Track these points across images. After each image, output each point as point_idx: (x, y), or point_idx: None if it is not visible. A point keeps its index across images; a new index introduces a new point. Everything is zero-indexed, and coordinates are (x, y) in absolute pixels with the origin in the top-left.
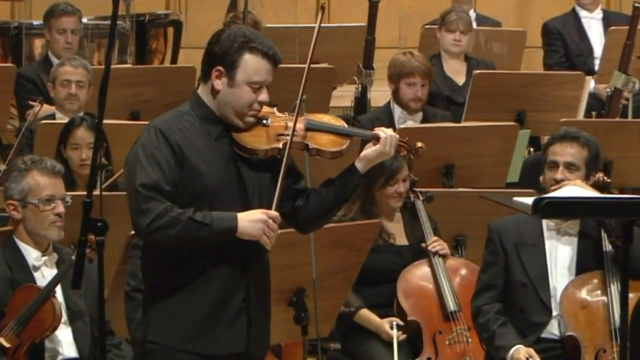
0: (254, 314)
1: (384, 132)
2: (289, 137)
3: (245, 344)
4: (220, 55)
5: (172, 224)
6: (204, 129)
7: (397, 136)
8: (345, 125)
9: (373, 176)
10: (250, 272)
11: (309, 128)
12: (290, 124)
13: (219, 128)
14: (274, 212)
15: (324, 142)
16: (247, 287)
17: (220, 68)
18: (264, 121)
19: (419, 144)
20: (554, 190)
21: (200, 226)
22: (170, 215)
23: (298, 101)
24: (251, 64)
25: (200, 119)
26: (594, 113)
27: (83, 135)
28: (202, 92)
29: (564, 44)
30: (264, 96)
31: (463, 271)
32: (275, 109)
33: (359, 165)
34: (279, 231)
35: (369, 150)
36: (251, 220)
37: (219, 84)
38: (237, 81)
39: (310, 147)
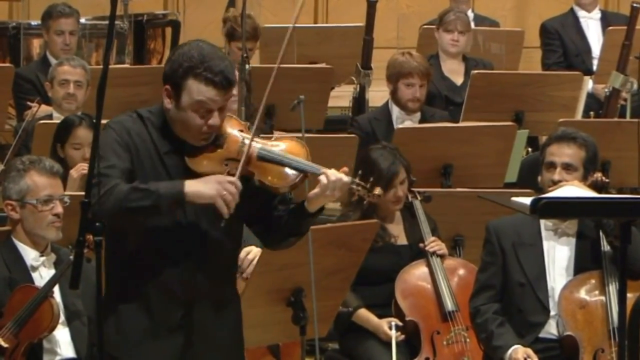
0: (196, 335)
1: (327, 176)
2: (236, 163)
3: None
4: (168, 76)
5: (117, 195)
6: (157, 140)
7: (346, 179)
8: (301, 158)
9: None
10: (198, 288)
11: (261, 158)
12: (244, 150)
13: (172, 143)
14: (230, 177)
15: (270, 175)
16: (190, 303)
17: (168, 87)
18: (217, 141)
19: (377, 191)
20: (551, 190)
21: (144, 194)
22: (116, 188)
23: (254, 127)
24: (195, 90)
25: (157, 129)
26: (592, 113)
27: (84, 134)
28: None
29: (562, 44)
30: (214, 120)
31: (461, 271)
32: (248, 124)
33: (307, 205)
34: None
35: (312, 192)
36: (204, 181)
37: (168, 102)
38: (183, 105)
39: (255, 177)
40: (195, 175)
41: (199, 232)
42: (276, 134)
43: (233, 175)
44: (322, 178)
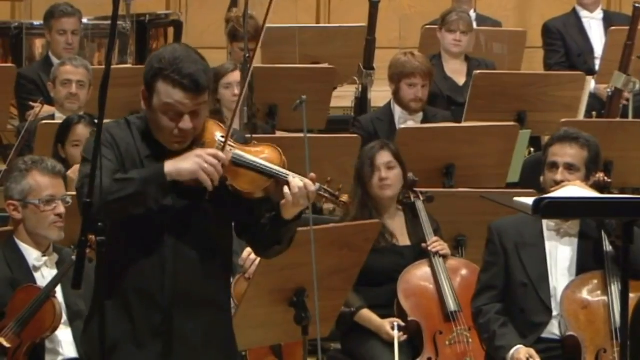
0: (177, 341)
1: (290, 186)
2: None
3: None
4: (144, 76)
5: (103, 193)
6: (139, 145)
7: (312, 188)
8: (275, 164)
9: (361, 169)
10: (178, 293)
11: (235, 163)
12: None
13: (153, 147)
14: (211, 150)
15: (242, 180)
16: (170, 309)
17: (144, 89)
18: (196, 146)
19: (344, 198)
20: (554, 191)
21: (125, 183)
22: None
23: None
24: (163, 92)
25: (140, 134)
26: (594, 113)
27: (84, 132)
28: None
29: (564, 44)
30: (185, 124)
31: (463, 271)
32: (230, 135)
33: (282, 213)
34: None
35: (282, 201)
36: (183, 157)
37: (144, 104)
38: (154, 107)
39: (228, 182)
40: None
41: (179, 240)
42: (278, 134)
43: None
44: (285, 188)
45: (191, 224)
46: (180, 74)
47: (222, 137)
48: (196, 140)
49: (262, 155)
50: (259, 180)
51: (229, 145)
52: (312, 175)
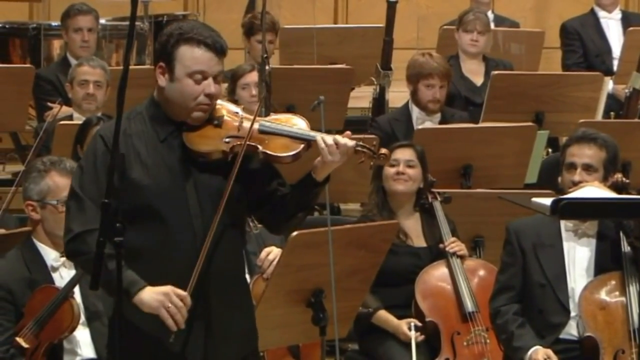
0: (210, 324)
1: (324, 140)
2: (238, 140)
3: (202, 356)
4: (160, 52)
5: (82, 253)
6: (153, 131)
7: (350, 143)
8: (302, 129)
9: None
10: (209, 277)
11: (263, 131)
12: (245, 125)
13: (168, 129)
14: (182, 292)
15: (274, 146)
16: (201, 293)
17: (162, 64)
18: (215, 121)
19: (383, 151)
20: (572, 191)
21: (105, 272)
22: (85, 242)
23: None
24: (188, 55)
25: (151, 120)
26: (612, 114)
27: None
28: (155, 91)
29: (582, 45)
30: (210, 88)
31: (481, 272)
32: (241, 108)
33: (314, 174)
34: (302, 231)
35: (317, 160)
36: (153, 291)
37: (162, 80)
38: (177, 75)
39: (259, 150)
40: (196, 156)
41: (207, 221)
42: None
43: (236, 153)
44: (319, 142)
45: (218, 204)
46: (202, 35)
47: (236, 112)
48: (216, 117)
49: (286, 121)
50: (291, 143)
51: (249, 117)
52: (348, 132)
